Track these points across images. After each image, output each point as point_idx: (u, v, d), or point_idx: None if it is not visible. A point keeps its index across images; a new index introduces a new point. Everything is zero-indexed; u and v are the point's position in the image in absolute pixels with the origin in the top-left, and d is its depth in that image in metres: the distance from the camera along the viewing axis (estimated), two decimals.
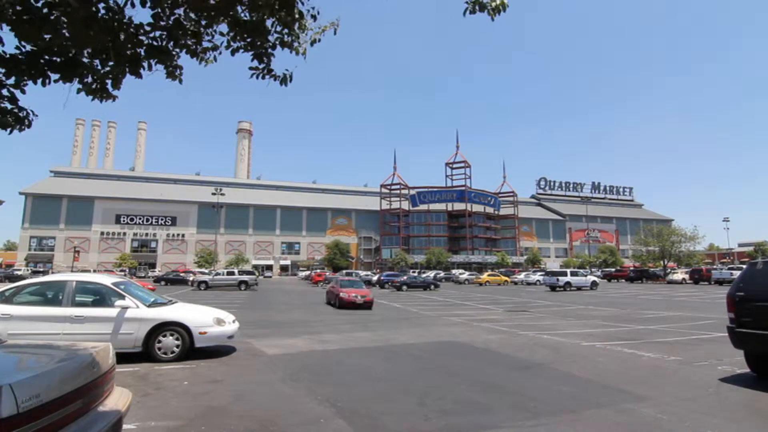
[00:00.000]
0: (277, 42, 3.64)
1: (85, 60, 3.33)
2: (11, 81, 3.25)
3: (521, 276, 51.52)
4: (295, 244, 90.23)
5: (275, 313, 16.65)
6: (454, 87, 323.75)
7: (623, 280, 51.03)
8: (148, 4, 3.24)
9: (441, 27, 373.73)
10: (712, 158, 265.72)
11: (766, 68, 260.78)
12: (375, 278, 43.91)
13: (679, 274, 46.37)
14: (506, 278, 49.58)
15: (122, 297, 7.35)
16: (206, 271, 50.66)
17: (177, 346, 7.51)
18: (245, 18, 3.47)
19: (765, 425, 4.68)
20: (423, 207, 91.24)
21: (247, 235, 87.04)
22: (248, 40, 3.56)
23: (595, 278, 37.32)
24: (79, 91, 3.41)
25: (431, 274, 53.55)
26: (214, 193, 63.05)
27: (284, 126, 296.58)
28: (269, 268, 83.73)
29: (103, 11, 3.16)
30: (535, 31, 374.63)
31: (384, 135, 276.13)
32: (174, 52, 3.50)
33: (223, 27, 3.58)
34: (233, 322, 8.41)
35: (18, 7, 2.96)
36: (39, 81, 3.25)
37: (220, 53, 3.78)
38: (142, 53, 3.37)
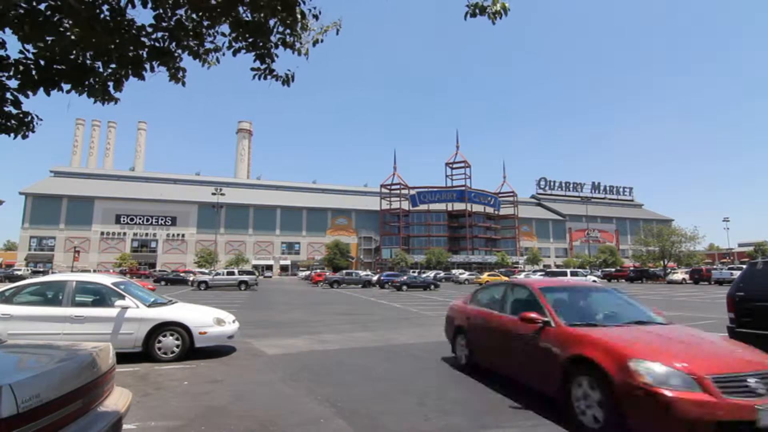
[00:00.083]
0: (279, 42, 3.64)
1: (87, 62, 3.33)
2: (14, 85, 3.25)
3: (521, 276, 51.52)
4: (295, 244, 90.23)
5: (275, 313, 16.64)
6: (454, 87, 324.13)
7: (623, 280, 50.95)
8: (150, 5, 3.24)
9: (441, 27, 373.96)
10: (712, 158, 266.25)
11: (766, 68, 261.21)
12: (375, 278, 43.89)
13: (679, 274, 46.34)
14: (506, 278, 49.57)
15: (122, 297, 7.35)
16: (206, 271, 50.67)
17: (177, 346, 7.51)
18: (247, 18, 3.47)
19: None
20: (423, 207, 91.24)
21: (247, 235, 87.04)
22: (250, 40, 3.57)
23: (595, 278, 37.33)
24: (80, 93, 3.41)
25: (431, 274, 53.55)
26: (214, 193, 63.06)
27: (284, 126, 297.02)
28: (269, 268, 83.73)
29: (106, 12, 3.17)
30: (535, 32, 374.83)
31: (384, 135, 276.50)
32: (176, 54, 3.50)
33: (225, 28, 3.58)
34: (233, 322, 8.41)
35: (20, 10, 2.96)
36: (50, 89, 3.26)
37: (223, 54, 3.78)
38: (145, 55, 3.37)
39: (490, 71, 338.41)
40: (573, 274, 36.67)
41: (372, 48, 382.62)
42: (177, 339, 7.53)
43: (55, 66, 3.20)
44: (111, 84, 3.46)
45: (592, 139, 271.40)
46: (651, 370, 3.76)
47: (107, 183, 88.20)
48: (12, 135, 3.43)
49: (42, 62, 3.18)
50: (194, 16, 3.44)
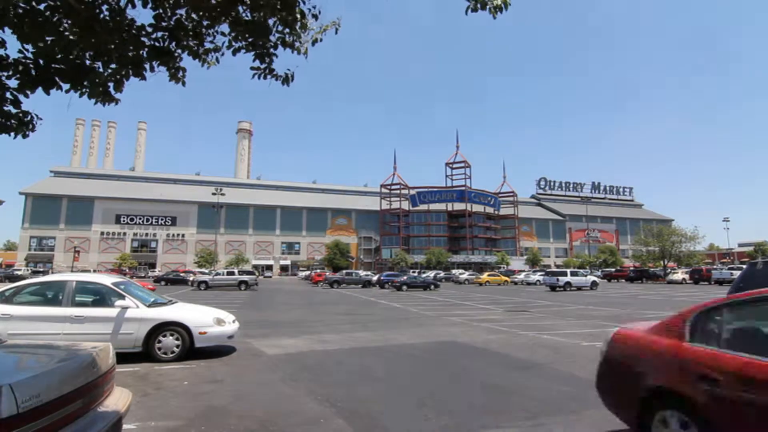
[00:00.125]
0: (278, 42, 3.64)
1: (87, 62, 3.33)
2: (14, 85, 3.25)
3: (521, 276, 51.53)
4: (295, 244, 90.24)
5: (275, 313, 16.65)
6: (454, 87, 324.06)
7: (623, 280, 51.01)
8: (150, 5, 3.24)
9: (441, 27, 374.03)
10: (712, 158, 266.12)
11: (766, 68, 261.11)
12: (375, 278, 43.90)
13: (679, 274, 46.34)
14: (506, 278, 49.59)
15: (122, 297, 7.35)
16: (206, 271, 50.68)
17: (177, 346, 7.51)
18: (247, 18, 3.47)
19: None
20: (423, 207, 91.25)
21: (247, 235, 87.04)
22: (250, 40, 3.57)
23: (595, 278, 37.32)
24: (81, 94, 3.41)
25: (431, 274, 53.56)
26: (214, 193, 63.09)
27: (284, 126, 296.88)
28: (269, 268, 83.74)
29: (105, 12, 3.17)
30: (535, 31, 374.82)
31: (384, 135, 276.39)
32: (176, 54, 3.50)
33: (225, 27, 3.58)
34: (233, 322, 8.41)
35: (20, 10, 2.96)
36: (49, 89, 3.26)
37: (223, 54, 3.78)
38: (145, 55, 3.37)
39: (490, 71, 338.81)
40: (573, 274, 36.62)
41: (372, 48, 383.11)
42: (177, 339, 7.53)
43: (53, 65, 3.20)
44: (111, 85, 3.46)
45: (592, 139, 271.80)
46: None
47: (107, 183, 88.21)
48: (12, 134, 3.43)
49: (41, 62, 3.18)
50: (194, 15, 3.44)
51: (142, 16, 3.33)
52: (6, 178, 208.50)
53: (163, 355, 7.41)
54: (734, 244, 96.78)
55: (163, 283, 41.39)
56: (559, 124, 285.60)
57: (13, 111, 3.35)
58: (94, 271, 55.16)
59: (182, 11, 3.39)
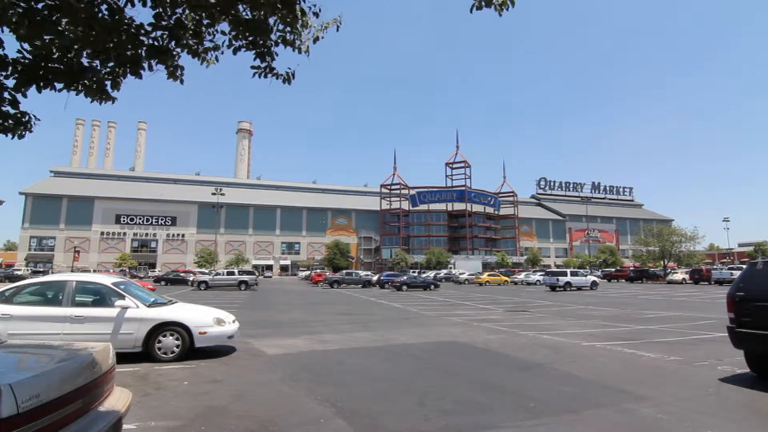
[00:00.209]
0: (279, 40, 3.63)
1: (84, 61, 3.32)
2: (12, 84, 3.24)
3: (521, 276, 51.53)
4: (295, 244, 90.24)
5: (275, 313, 16.64)
6: (454, 87, 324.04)
7: (623, 280, 51.02)
8: (149, 4, 3.23)
9: (441, 27, 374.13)
10: (712, 158, 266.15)
11: (766, 68, 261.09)
12: (375, 278, 43.90)
13: (679, 274, 46.37)
14: (506, 278, 49.60)
15: (122, 297, 7.35)
16: (206, 271, 50.68)
17: (177, 346, 7.51)
18: (247, 17, 3.46)
19: (765, 425, 4.68)
20: (423, 207, 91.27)
21: (247, 235, 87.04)
22: (250, 38, 3.56)
23: (595, 278, 37.32)
24: (78, 93, 3.40)
25: (431, 274, 53.53)
26: (214, 193, 63.08)
27: (284, 126, 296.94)
28: (269, 268, 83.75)
29: (104, 11, 3.16)
30: (535, 31, 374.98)
31: (384, 135, 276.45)
32: (175, 53, 3.50)
33: (225, 26, 3.57)
34: (233, 322, 8.41)
35: (19, 9, 2.95)
36: (42, 87, 3.24)
37: (222, 53, 3.77)
38: (143, 54, 3.36)
39: (490, 71, 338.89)
40: (573, 274, 36.62)
41: (372, 47, 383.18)
42: (177, 339, 7.53)
43: (48, 65, 3.19)
44: (108, 83, 3.45)
45: (592, 139, 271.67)
46: None
47: (107, 183, 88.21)
48: (9, 135, 3.42)
49: (36, 60, 3.17)
50: (194, 14, 3.44)
51: (141, 14, 3.31)
52: (6, 178, 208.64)
53: (163, 355, 7.40)
54: (734, 244, 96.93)
55: (163, 283, 41.39)
56: (559, 124, 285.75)
57: (12, 111, 3.34)
58: (94, 271, 55.17)
59: (182, 10, 3.39)
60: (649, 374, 6.82)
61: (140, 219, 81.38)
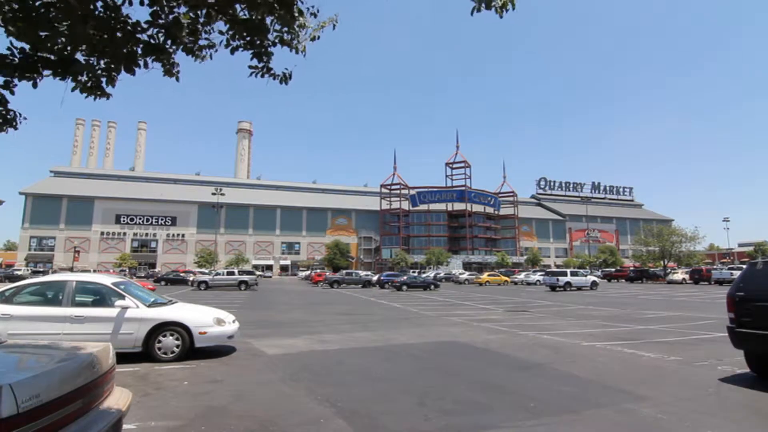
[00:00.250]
0: (276, 40, 3.63)
1: (80, 57, 3.32)
2: (0, 81, 3.24)
3: (521, 276, 51.52)
4: (295, 244, 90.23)
5: (275, 313, 16.64)
6: (454, 87, 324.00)
7: (623, 280, 51.02)
8: (146, 2, 3.23)
9: (441, 27, 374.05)
10: (712, 158, 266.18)
11: (766, 68, 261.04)
12: (375, 278, 43.90)
13: (679, 274, 46.35)
14: (506, 278, 49.59)
15: (122, 297, 7.35)
16: (206, 271, 50.68)
17: (177, 346, 7.51)
18: (244, 16, 3.46)
19: (765, 425, 4.68)
20: (423, 207, 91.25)
21: (247, 235, 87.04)
22: (247, 38, 3.55)
23: (595, 278, 37.31)
24: (73, 89, 3.40)
25: (431, 273, 53.51)
26: (214, 193, 63.07)
27: (284, 126, 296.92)
28: (269, 268, 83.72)
29: (100, 9, 3.16)
30: (535, 31, 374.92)
31: (384, 135, 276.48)
32: (171, 50, 3.49)
33: (222, 26, 3.57)
34: (233, 322, 8.41)
35: (15, 5, 2.95)
36: (30, 80, 3.23)
37: (216, 50, 3.77)
38: (139, 51, 3.36)
39: (490, 71, 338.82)
40: (573, 274, 36.61)
41: (372, 48, 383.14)
42: (177, 339, 7.53)
43: (38, 54, 3.19)
44: (104, 80, 3.46)
45: (592, 139, 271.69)
46: None
47: (107, 183, 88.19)
48: None
49: (27, 56, 3.17)
50: (191, 14, 3.44)
51: (138, 12, 3.31)
52: (6, 178, 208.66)
53: (163, 355, 7.40)
54: (734, 244, 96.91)
55: (163, 283, 41.39)
56: (559, 124, 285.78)
57: None
58: (94, 271, 55.17)
59: (179, 9, 3.39)
60: (649, 374, 6.82)
61: (140, 219, 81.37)
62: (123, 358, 6.76)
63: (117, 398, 3.32)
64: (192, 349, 7.66)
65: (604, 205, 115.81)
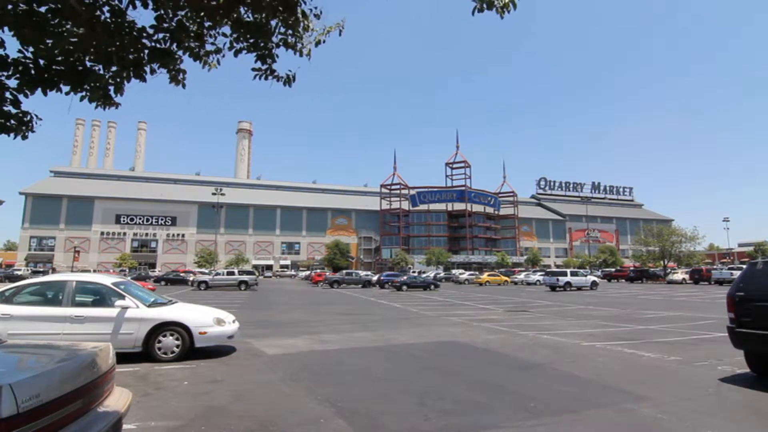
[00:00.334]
0: (280, 43, 3.63)
1: (88, 65, 3.32)
2: (14, 84, 3.24)
3: (521, 276, 51.50)
4: (295, 244, 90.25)
5: (275, 313, 16.64)
6: (454, 87, 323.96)
7: (623, 280, 51.01)
8: (151, 6, 3.23)
9: (441, 27, 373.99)
10: (712, 158, 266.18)
11: (766, 68, 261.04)
12: (375, 278, 43.89)
13: (679, 274, 46.35)
14: (506, 278, 49.58)
15: (122, 297, 7.35)
16: (206, 271, 50.68)
17: (177, 346, 7.51)
18: (248, 19, 3.46)
19: (765, 425, 4.68)
20: (423, 207, 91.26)
21: (247, 235, 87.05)
22: (251, 41, 3.56)
23: (595, 278, 37.31)
24: (82, 98, 3.39)
25: (431, 273, 53.51)
26: (214, 193, 63.07)
27: (284, 126, 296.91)
28: (269, 268, 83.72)
29: (106, 14, 3.16)
30: (535, 31, 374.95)
31: (384, 135, 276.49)
32: (177, 56, 3.49)
33: (226, 29, 3.57)
34: (233, 322, 8.41)
35: (20, 11, 2.95)
36: (48, 90, 3.25)
37: (223, 56, 3.77)
38: (145, 57, 3.36)
39: (490, 71, 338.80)
40: (573, 274, 36.60)
41: (372, 48, 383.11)
42: (177, 339, 7.53)
43: (54, 67, 3.19)
44: (111, 88, 3.45)
45: (592, 139, 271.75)
46: None
47: (107, 183, 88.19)
48: (12, 135, 3.42)
49: (42, 62, 3.17)
50: (195, 17, 3.43)
51: (143, 17, 3.29)
52: (6, 178, 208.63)
53: (163, 355, 7.40)
54: (734, 244, 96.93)
55: (163, 283, 41.38)
56: (559, 124, 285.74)
57: (13, 111, 3.34)
58: (94, 271, 55.18)
59: (183, 12, 3.38)
60: (649, 374, 6.82)
61: (140, 219, 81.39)
62: (123, 358, 6.76)
63: (117, 398, 3.32)
64: (192, 349, 7.66)
65: (604, 205, 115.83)
